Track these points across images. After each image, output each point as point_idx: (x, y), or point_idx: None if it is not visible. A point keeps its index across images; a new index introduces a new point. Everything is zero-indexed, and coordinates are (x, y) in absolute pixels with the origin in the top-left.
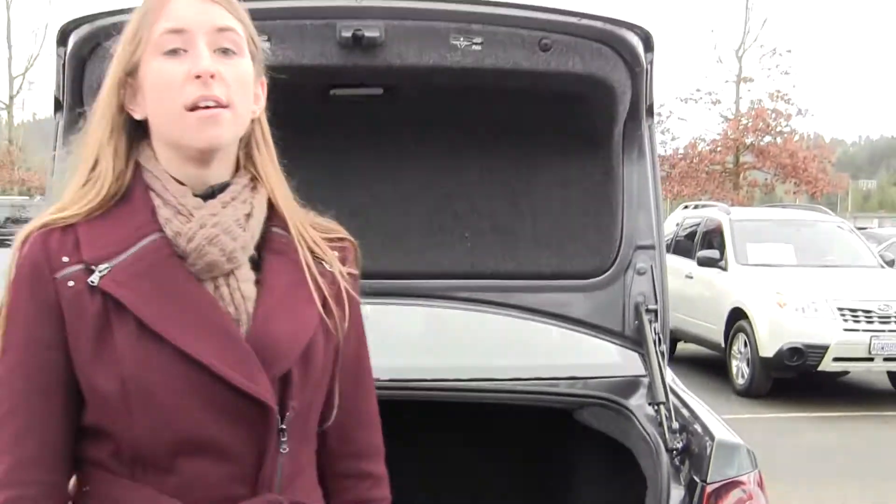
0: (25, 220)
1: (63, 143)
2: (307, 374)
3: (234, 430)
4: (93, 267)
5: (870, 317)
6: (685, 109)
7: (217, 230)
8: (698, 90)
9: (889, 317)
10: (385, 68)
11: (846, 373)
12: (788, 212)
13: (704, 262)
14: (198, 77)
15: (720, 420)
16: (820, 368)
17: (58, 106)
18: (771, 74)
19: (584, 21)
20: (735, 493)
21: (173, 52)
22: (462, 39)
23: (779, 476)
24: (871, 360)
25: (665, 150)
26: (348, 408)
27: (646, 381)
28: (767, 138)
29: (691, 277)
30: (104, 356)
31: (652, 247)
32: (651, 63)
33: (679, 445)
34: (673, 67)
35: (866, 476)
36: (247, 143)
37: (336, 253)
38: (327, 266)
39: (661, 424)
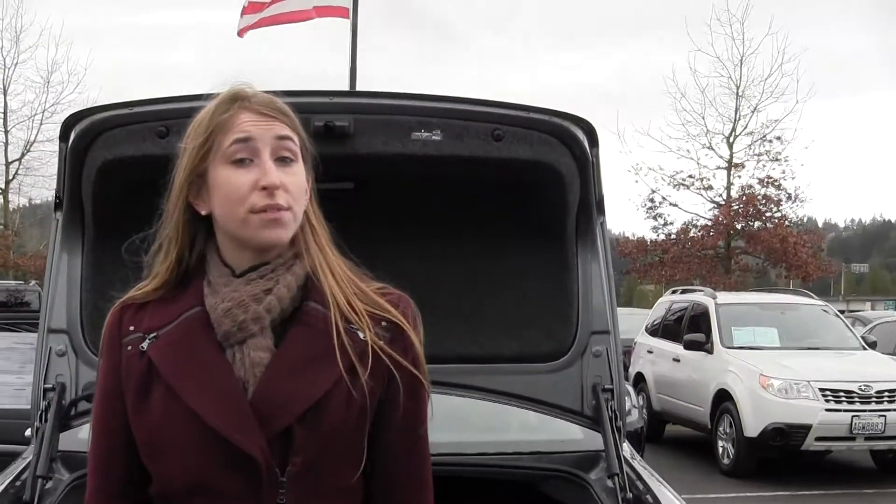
0: (21, 305)
1: (62, 240)
2: (314, 432)
3: (232, 478)
4: (145, 336)
5: (851, 397)
6: (677, 195)
7: (231, 303)
8: (690, 176)
9: (870, 397)
10: (354, 156)
11: (829, 452)
12: (773, 296)
13: (691, 346)
14: (264, 188)
15: (671, 490)
16: (803, 448)
17: (58, 205)
18: (761, 160)
19: (532, 114)
20: None
21: (241, 162)
22: (423, 131)
23: None
24: (853, 439)
25: (658, 236)
26: (394, 467)
27: (604, 455)
28: (758, 224)
29: (678, 360)
30: (142, 409)
31: (607, 332)
32: (597, 157)
33: None
34: (665, 154)
35: None
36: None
37: (381, 332)
38: (361, 335)
39: (616, 495)
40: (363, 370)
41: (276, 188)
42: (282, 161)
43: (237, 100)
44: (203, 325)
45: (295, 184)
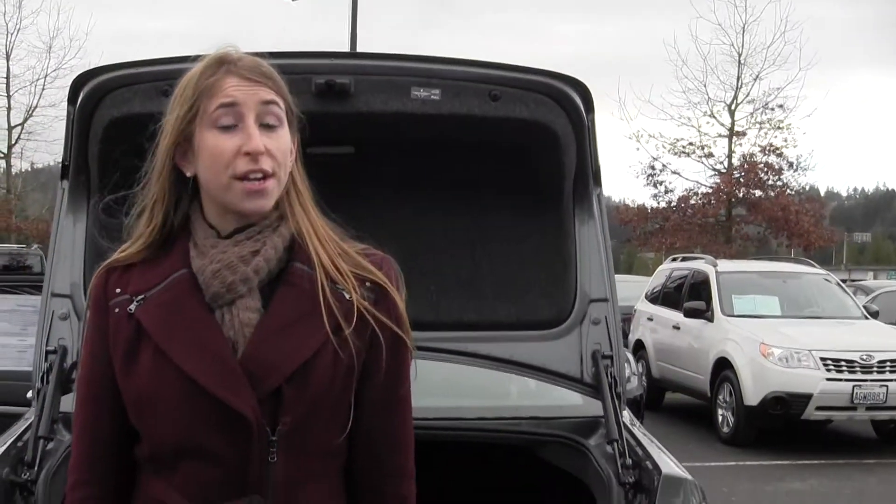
0: (23, 268)
1: (67, 205)
2: (303, 392)
3: (221, 438)
4: (133, 298)
5: (852, 367)
6: (678, 162)
7: (220, 265)
8: (691, 144)
9: (871, 367)
10: (354, 115)
11: (830, 421)
12: (774, 264)
13: (691, 313)
14: (247, 154)
15: (671, 457)
16: (803, 417)
17: (64, 172)
18: (763, 128)
19: (529, 75)
20: None
21: (226, 127)
22: (422, 91)
23: None
24: (854, 409)
25: (658, 203)
26: (377, 427)
27: (604, 421)
28: (759, 192)
29: (678, 328)
30: (131, 371)
31: (605, 299)
32: (593, 123)
33: (631, 480)
34: (666, 122)
35: None
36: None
37: (366, 293)
38: (346, 295)
39: (616, 461)
40: (349, 330)
41: (260, 153)
42: (266, 127)
43: (223, 63)
44: (191, 286)
45: (279, 149)
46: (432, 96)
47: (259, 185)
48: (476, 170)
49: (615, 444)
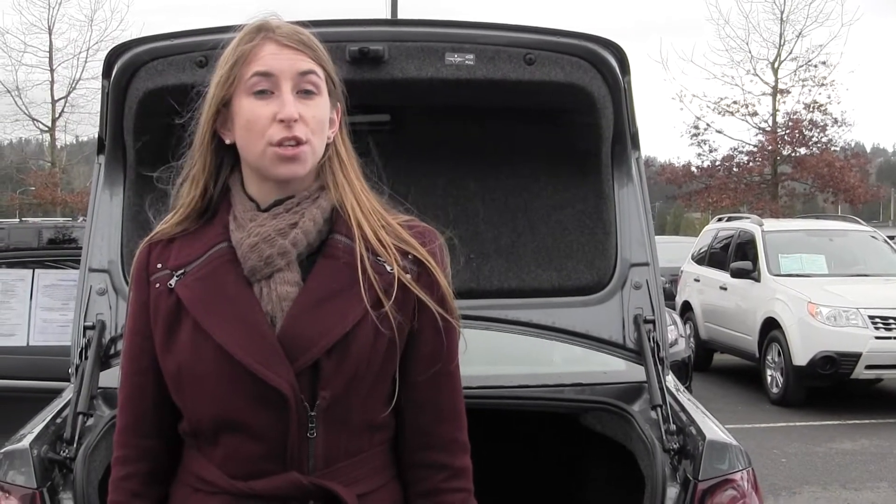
0: (68, 241)
1: (103, 180)
2: (342, 366)
3: (260, 413)
4: (173, 272)
5: None
6: (722, 121)
7: (257, 238)
8: (735, 102)
9: None
10: (389, 82)
11: (879, 380)
12: (820, 222)
13: (738, 274)
14: (282, 121)
15: (716, 422)
16: (853, 376)
17: (101, 147)
18: (807, 85)
19: (563, 38)
20: (728, 493)
21: (262, 93)
22: (456, 56)
23: (813, 479)
24: None
25: (703, 162)
26: (424, 401)
27: (647, 386)
28: (803, 149)
29: (725, 289)
30: (170, 346)
31: (646, 263)
32: (629, 84)
33: (676, 446)
34: (710, 81)
35: None
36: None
37: (408, 265)
38: (388, 267)
39: (659, 427)
40: (390, 303)
41: (294, 120)
42: (303, 94)
43: (262, 31)
44: (230, 260)
45: (315, 117)
46: (466, 61)
47: (292, 150)
48: (513, 135)
49: (659, 409)
